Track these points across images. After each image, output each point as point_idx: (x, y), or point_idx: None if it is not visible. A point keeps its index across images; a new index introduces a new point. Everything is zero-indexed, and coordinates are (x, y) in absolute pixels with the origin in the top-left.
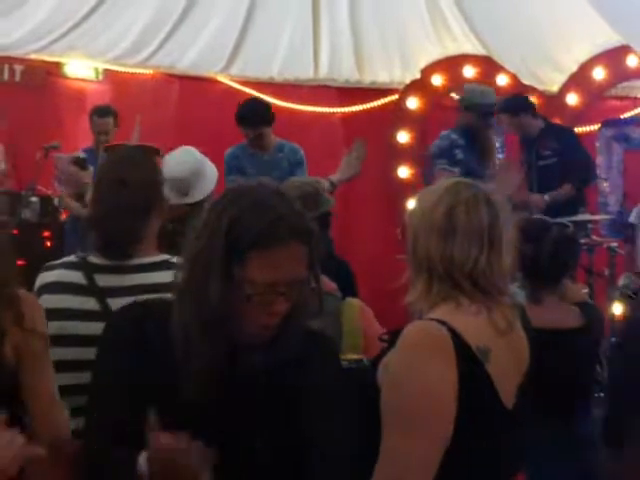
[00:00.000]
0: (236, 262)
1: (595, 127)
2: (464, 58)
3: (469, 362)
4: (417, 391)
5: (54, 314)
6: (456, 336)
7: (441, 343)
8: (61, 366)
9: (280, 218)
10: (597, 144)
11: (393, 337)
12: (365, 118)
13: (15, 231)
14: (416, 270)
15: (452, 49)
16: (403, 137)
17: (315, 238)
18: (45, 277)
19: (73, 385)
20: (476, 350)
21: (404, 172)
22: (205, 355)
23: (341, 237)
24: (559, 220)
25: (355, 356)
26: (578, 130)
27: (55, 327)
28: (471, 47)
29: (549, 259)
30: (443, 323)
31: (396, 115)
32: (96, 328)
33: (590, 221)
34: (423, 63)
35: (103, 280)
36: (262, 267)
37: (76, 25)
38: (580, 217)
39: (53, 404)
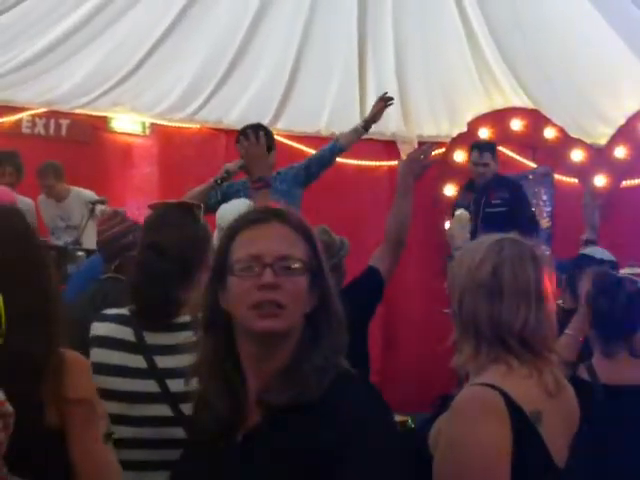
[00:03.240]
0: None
1: None
2: (511, 111)
3: (522, 425)
4: (472, 456)
5: (102, 369)
6: (508, 400)
7: (495, 407)
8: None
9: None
10: None
11: (444, 401)
12: None
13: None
14: (463, 332)
15: (499, 102)
16: (450, 190)
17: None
18: (97, 328)
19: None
20: (528, 413)
21: None
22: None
23: (388, 289)
24: (627, 273)
25: (400, 418)
26: (626, 183)
27: (101, 382)
28: (518, 100)
29: (623, 314)
30: (494, 387)
31: (443, 168)
32: (142, 385)
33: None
34: (470, 116)
35: (151, 338)
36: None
37: (122, 80)
38: (631, 270)
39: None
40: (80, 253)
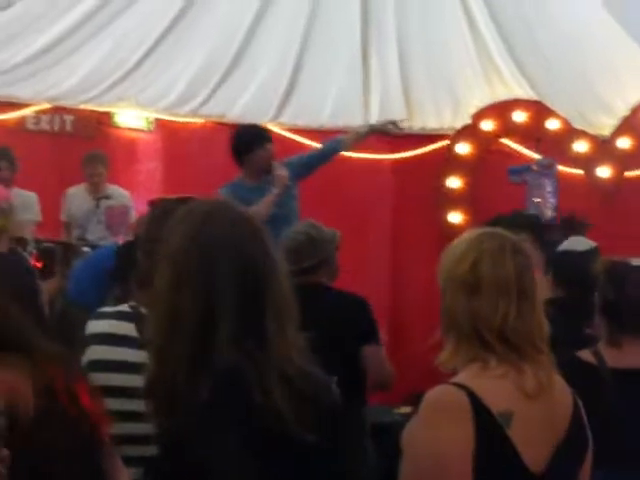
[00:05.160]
0: None
1: None
2: (514, 103)
3: (489, 426)
4: (425, 455)
5: (103, 365)
6: (476, 400)
7: (457, 407)
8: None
9: None
10: None
11: (419, 399)
12: (415, 164)
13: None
14: (445, 329)
15: (502, 94)
16: (454, 183)
17: None
18: (96, 326)
19: (118, 435)
20: (497, 414)
21: (456, 218)
22: None
23: (392, 283)
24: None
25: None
26: (629, 174)
27: (103, 379)
28: (522, 92)
29: (632, 304)
30: (463, 387)
31: (447, 161)
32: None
33: None
34: (473, 108)
35: None
36: None
37: (126, 75)
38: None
39: None
40: (86, 249)
